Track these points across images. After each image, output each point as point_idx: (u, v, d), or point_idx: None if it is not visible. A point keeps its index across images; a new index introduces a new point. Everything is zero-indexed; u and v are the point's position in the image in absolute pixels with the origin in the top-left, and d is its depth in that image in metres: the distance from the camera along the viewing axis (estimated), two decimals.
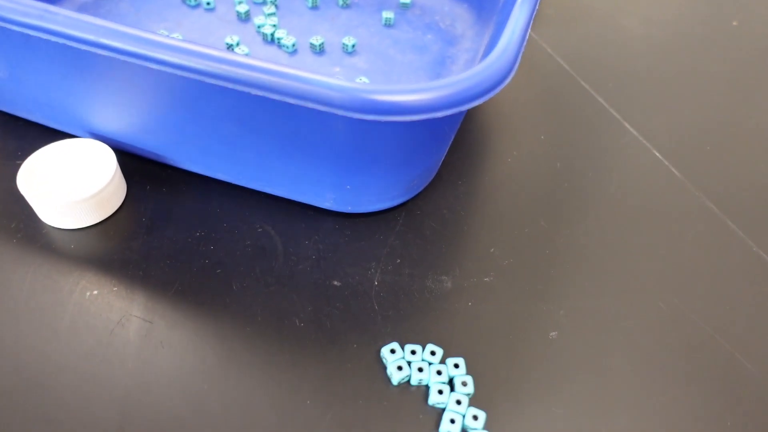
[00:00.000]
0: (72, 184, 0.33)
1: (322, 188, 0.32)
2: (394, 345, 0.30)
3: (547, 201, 0.38)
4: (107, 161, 0.34)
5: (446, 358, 0.30)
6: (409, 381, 0.29)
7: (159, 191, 0.36)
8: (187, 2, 0.48)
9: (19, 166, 0.36)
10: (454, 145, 0.40)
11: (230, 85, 0.26)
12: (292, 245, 0.34)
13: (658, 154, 0.42)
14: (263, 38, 0.46)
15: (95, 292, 0.32)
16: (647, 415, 0.28)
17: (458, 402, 0.28)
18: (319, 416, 0.28)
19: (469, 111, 0.42)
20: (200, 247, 0.34)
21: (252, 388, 0.28)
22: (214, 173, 0.35)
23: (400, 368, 0.29)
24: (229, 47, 0.44)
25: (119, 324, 0.30)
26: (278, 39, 0.45)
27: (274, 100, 0.26)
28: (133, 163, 0.37)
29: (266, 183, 0.34)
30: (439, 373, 0.29)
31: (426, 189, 0.37)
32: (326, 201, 0.33)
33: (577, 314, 0.32)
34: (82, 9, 0.46)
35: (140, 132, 0.34)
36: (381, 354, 0.30)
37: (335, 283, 0.33)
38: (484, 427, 0.27)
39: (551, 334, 0.31)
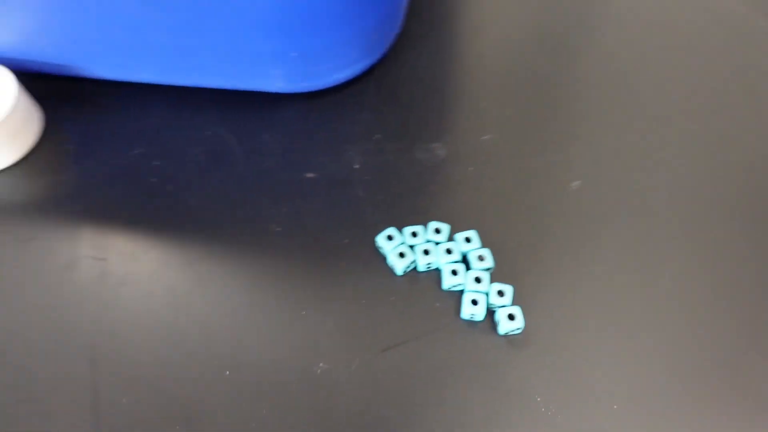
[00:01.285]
0: None
1: (263, 63, 0.26)
2: (391, 230, 0.25)
3: (536, 44, 0.32)
4: (4, 84, 0.28)
5: (454, 234, 0.25)
6: (415, 268, 0.25)
7: (81, 112, 0.30)
8: None
9: None
10: None
11: None
12: (250, 143, 0.29)
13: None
14: None
15: (31, 238, 0.26)
16: (694, 266, 0.24)
17: (477, 280, 0.24)
18: (320, 326, 0.24)
19: None
20: (143, 165, 0.28)
21: (236, 309, 0.24)
22: (136, 75, 0.29)
23: (402, 255, 0.24)
24: None
25: (67, 268, 0.26)
26: None
27: None
28: (43, 85, 0.31)
29: (199, 73, 0.28)
30: (449, 251, 0.24)
31: (392, 49, 0.31)
32: (275, 80, 0.28)
33: (601, 156, 0.27)
34: None
35: (30, 36, 0.27)
36: (377, 244, 0.25)
37: (309, 175, 0.28)
38: (513, 303, 0.23)
39: (573, 184, 0.26)
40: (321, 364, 0.23)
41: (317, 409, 0.22)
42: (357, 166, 0.28)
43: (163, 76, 0.29)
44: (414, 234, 0.25)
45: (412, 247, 0.25)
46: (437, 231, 0.25)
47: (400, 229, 0.25)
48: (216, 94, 0.30)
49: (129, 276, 0.25)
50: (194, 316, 0.24)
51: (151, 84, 0.30)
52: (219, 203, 0.27)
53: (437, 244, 0.25)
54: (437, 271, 0.25)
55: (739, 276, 0.24)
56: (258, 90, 0.29)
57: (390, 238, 0.25)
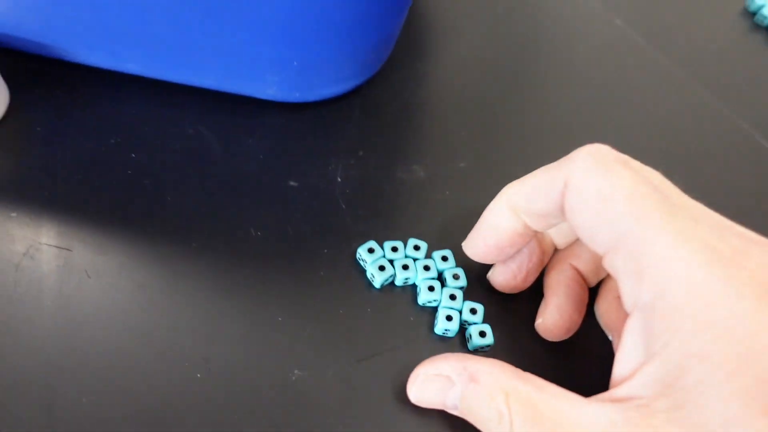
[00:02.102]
0: None
1: (262, 68, 0.26)
2: (372, 243, 0.26)
3: (514, 77, 0.34)
4: None
5: (432, 252, 0.26)
6: (393, 282, 0.25)
7: (53, 95, 0.29)
8: None
9: None
10: (407, 23, 0.35)
11: None
12: (232, 145, 0.29)
13: (619, 23, 0.39)
14: None
15: None
16: None
17: (452, 297, 0.25)
18: (296, 333, 0.24)
19: None
20: (118, 156, 0.27)
21: (209, 312, 0.24)
22: (122, 64, 0.28)
23: (382, 268, 0.25)
24: None
25: (27, 255, 0.24)
26: None
27: None
28: (13, 62, 0.29)
29: (191, 71, 0.28)
30: (426, 268, 0.25)
31: (381, 72, 0.32)
32: (269, 87, 0.28)
33: None
34: None
35: (13, 8, 0.26)
36: (358, 255, 0.26)
37: (291, 183, 0.28)
38: (484, 321, 0.25)
39: None
40: (296, 371, 0.23)
41: (291, 415, 0.22)
42: (339, 180, 0.28)
43: (151, 69, 0.28)
44: (394, 249, 0.26)
45: (392, 261, 0.25)
46: (416, 248, 0.26)
47: (380, 243, 0.26)
48: (199, 93, 0.30)
49: (94, 268, 0.24)
50: (164, 315, 0.24)
51: (132, 75, 0.29)
52: (197, 202, 0.27)
53: (415, 260, 0.26)
54: (413, 286, 0.26)
55: None
56: (248, 95, 0.29)
57: (371, 250, 0.25)
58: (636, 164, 0.20)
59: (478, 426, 0.20)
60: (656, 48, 0.37)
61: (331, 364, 0.23)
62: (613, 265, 0.19)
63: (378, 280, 0.25)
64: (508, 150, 0.31)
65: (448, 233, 0.27)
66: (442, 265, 0.26)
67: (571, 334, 0.24)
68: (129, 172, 0.27)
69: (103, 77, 0.30)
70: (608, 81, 0.35)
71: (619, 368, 0.19)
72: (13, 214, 0.25)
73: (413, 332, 0.24)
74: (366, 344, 0.24)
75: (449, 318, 0.24)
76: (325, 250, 0.26)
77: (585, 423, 0.18)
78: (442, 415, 0.22)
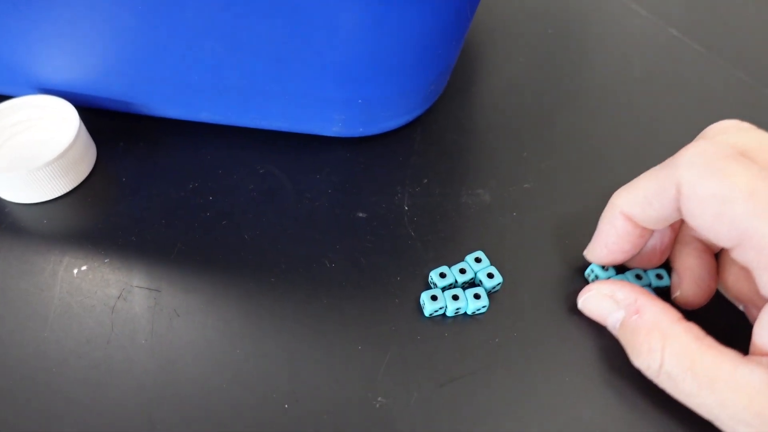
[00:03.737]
0: (31, 150, 0.28)
1: (329, 108, 0.28)
2: (444, 269, 0.26)
3: (568, 94, 0.34)
4: (67, 116, 0.29)
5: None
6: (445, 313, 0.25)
7: (135, 147, 0.31)
8: None
9: None
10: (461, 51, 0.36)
11: None
12: (301, 182, 0.30)
13: (674, 32, 0.38)
14: None
15: (84, 267, 0.27)
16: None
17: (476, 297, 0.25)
18: (376, 360, 0.24)
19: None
20: (197, 200, 0.29)
21: (292, 343, 0.25)
22: (195, 114, 0.30)
23: (455, 297, 0.25)
24: None
25: (120, 299, 0.26)
26: None
27: None
28: (97, 120, 0.32)
29: (260, 115, 0.29)
30: (490, 275, 0.25)
31: (438, 102, 0.33)
32: (334, 125, 0.29)
33: None
34: None
35: (102, 75, 0.28)
36: (429, 279, 0.26)
37: (360, 215, 0.29)
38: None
39: None
40: (379, 399, 0.23)
41: None
42: (406, 208, 0.29)
43: (223, 116, 0.30)
44: (462, 271, 0.26)
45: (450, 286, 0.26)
46: (478, 260, 0.26)
47: (450, 267, 0.26)
48: (266, 135, 0.31)
49: (183, 307, 0.26)
50: (250, 349, 0.24)
51: (205, 123, 0.31)
52: (272, 238, 0.28)
53: (469, 285, 0.26)
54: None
55: None
56: (313, 133, 0.30)
57: (443, 275, 0.26)
58: (750, 147, 0.20)
59: (628, 352, 0.22)
60: (715, 54, 0.36)
61: (414, 390, 0.23)
62: (743, 258, 0.20)
63: (451, 309, 0.25)
64: (571, 167, 0.31)
65: (518, 253, 0.27)
66: (476, 267, 0.26)
67: (707, 301, 0.24)
68: (208, 214, 0.29)
69: (180, 128, 0.32)
70: (665, 90, 0.34)
71: (761, 338, 0.20)
72: (107, 260, 0.27)
73: (492, 356, 0.24)
74: (445, 369, 0.24)
75: (435, 298, 0.25)
76: (398, 278, 0.26)
77: (740, 380, 0.19)
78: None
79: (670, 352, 0.20)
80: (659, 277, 0.26)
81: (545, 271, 0.27)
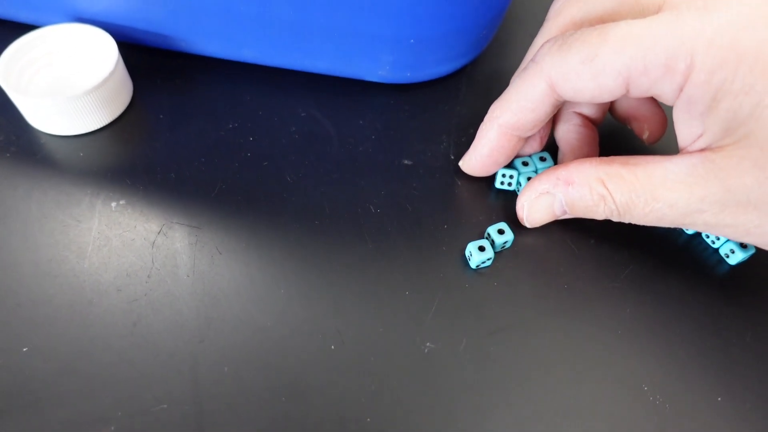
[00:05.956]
0: (68, 79, 0.27)
1: (379, 48, 0.27)
2: (502, 225, 0.25)
3: None
4: (106, 47, 0.28)
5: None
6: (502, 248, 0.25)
7: (173, 84, 0.30)
8: None
9: None
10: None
11: None
12: (344, 127, 0.29)
13: None
14: None
15: (122, 201, 0.26)
16: None
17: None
18: (424, 307, 0.24)
19: None
20: (237, 140, 0.28)
21: (337, 286, 0.24)
22: (236, 51, 0.29)
23: (482, 249, 0.24)
24: None
25: (161, 234, 0.25)
26: None
27: None
28: (132, 56, 0.31)
29: (306, 55, 0.28)
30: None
31: (484, 53, 0.32)
32: (381, 68, 0.28)
33: None
34: None
35: (141, 2, 0.27)
36: (487, 232, 0.25)
37: (406, 162, 0.28)
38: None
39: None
40: (428, 344, 0.23)
41: (427, 386, 0.22)
42: (452, 157, 0.28)
43: (266, 55, 0.29)
44: (525, 164, 0.27)
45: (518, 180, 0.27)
46: (542, 159, 0.27)
47: (492, 224, 0.25)
48: (308, 77, 0.30)
49: (224, 245, 0.25)
50: (294, 290, 0.24)
51: (245, 63, 0.30)
52: (315, 181, 0.27)
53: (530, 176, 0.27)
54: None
55: None
56: (358, 78, 0.29)
57: (501, 231, 0.25)
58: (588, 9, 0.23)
59: (588, 216, 0.23)
60: None
61: (463, 337, 0.23)
62: (638, 92, 0.20)
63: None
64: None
65: None
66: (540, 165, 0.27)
67: None
68: (248, 154, 0.28)
69: (218, 67, 0.31)
70: None
71: (683, 138, 0.21)
72: (145, 196, 0.26)
73: (539, 305, 0.24)
74: (494, 318, 0.23)
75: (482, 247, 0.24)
76: (445, 226, 0.26)
77: (670, 175, 0.20)
78: (576, 389, 0.21)
79: (613, 188, 0.21)
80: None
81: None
